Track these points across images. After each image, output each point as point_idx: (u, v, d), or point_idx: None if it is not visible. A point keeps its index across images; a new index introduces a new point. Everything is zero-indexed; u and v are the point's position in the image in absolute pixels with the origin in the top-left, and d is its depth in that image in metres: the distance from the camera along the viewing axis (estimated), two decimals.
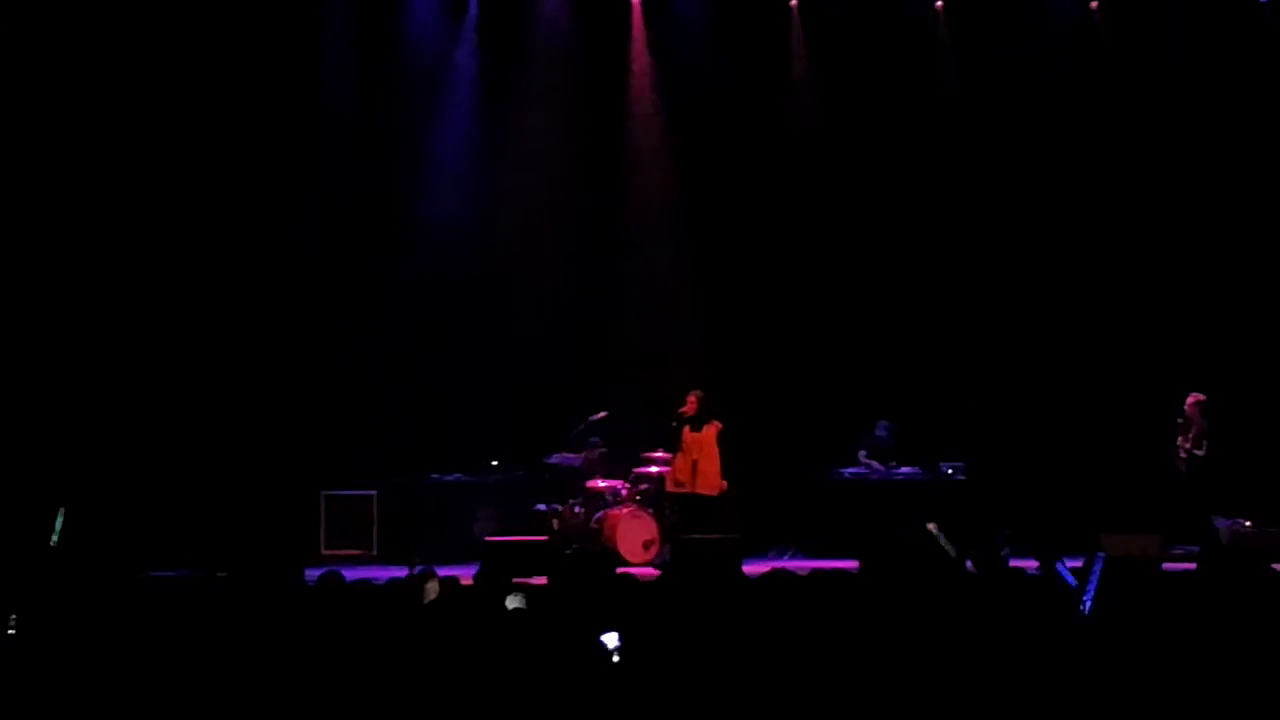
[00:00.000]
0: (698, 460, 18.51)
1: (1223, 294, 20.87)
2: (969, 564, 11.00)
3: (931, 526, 15.01)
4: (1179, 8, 21.17)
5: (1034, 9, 21.41)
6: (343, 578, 9.62)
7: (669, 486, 18.86)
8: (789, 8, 21.65)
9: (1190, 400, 19.21)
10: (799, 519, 19.93)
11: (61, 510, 15.46)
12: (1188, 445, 19.13)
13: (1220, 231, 20.92)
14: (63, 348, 19.19)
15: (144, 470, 18.80)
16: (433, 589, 9.68)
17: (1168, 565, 15.36)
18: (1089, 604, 9.20)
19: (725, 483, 18.65)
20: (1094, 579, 9.52)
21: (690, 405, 18.51)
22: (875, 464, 20.16)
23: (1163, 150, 21.07)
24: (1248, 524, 18.57)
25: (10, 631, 8.64)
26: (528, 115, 21.16)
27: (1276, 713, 6.68)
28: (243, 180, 20.02)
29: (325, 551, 19.29)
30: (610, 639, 7.38)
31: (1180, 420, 19.26)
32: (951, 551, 13.07)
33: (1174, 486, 19.15)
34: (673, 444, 18.81)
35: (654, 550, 18.74)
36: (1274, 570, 9.57)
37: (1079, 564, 10.13)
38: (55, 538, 15.26)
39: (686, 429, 18.51)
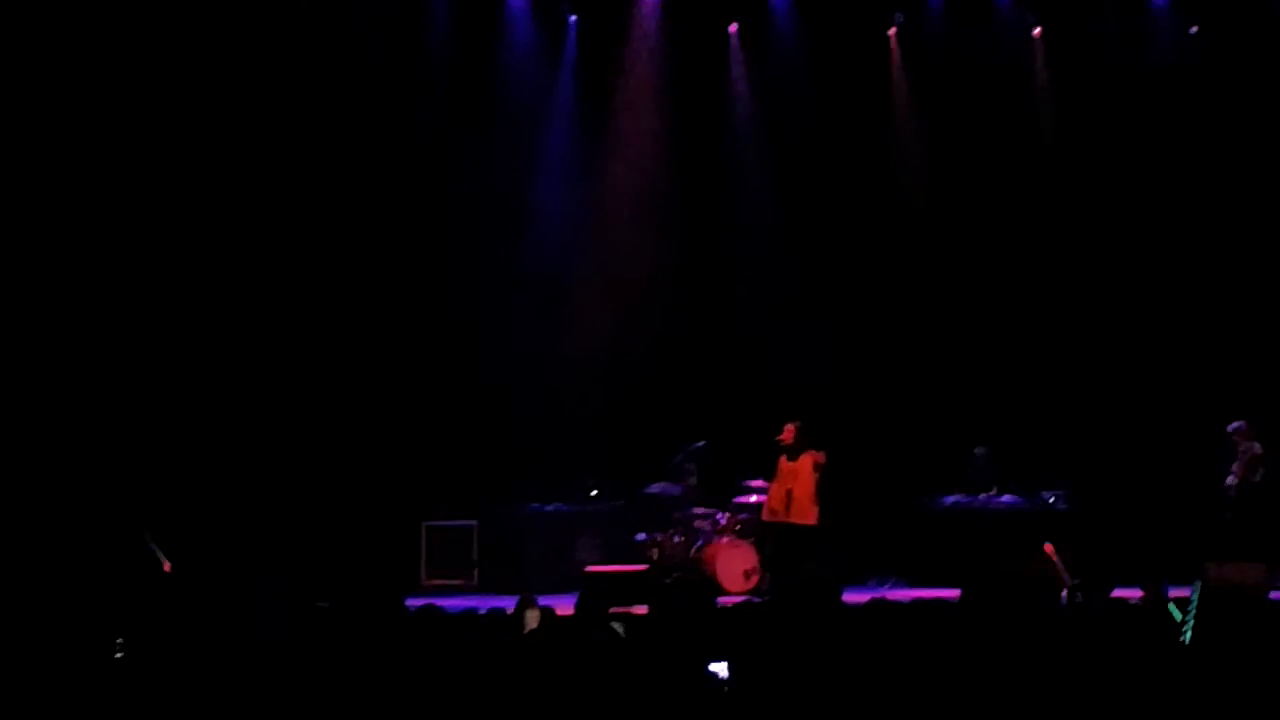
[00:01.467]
0: (792, 489, 18.37)
1: None
2: (1076, 594, 10.90)
3: (1048, 548, 14.93)
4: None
5: (1134, 32, 21.28)
6: (441, 609, 9.61)
7: (764, 516, 18.77)
8: (886, 36, 21.66)
9: (1233, 428, 19.13)
10: (900, 547, 19.82)
11: (148, 533, 15.59)
12: (1240, 473, 19.06)
13: None
14: (181, 379, 19.32)
15: (251, 500, 18.88)
16: (533, 618, 9.67)
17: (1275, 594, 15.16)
18: (1189, 633, 9.09)
19: (818, 513, 18.47)
20: (1193, 608, 9.41)
21: (787, 434, 18.39)
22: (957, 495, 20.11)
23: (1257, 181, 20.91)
24: None
25: (119, 655, 8.69)
26: (627, 145, 21.19)
27: None
28: (361, 215, 20.15)
29: (426, 582, 19.37)
30: (720, 668, 7.34)
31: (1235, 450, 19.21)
32: (1066, 577, 12.98)
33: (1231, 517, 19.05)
34: (770, 473, 18.75)
35: (755, 579, 18.69)
36: None
37: (1184, 593, 10.00)
38: (162, 559, 15.39)
39: (783, 458, 18.41)
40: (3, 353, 18.56)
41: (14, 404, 18.44)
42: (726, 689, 7.28)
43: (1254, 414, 19.51)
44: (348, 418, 19.87)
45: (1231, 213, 21.05)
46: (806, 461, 18.33)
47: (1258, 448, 19.12)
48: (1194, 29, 21.47)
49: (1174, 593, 10.55)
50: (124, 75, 19.06)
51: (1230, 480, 19.19)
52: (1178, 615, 9.41)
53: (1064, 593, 11.61)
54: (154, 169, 19.30)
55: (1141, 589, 10.66)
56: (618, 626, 8.94)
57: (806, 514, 18.28)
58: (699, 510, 19.33)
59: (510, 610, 10.21)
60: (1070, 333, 21.14)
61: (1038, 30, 21.67)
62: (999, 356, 21.10)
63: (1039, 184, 21.29)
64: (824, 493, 18.36)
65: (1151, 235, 21.10)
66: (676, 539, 19.18)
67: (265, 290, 19.74)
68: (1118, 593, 11.23)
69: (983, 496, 20.07)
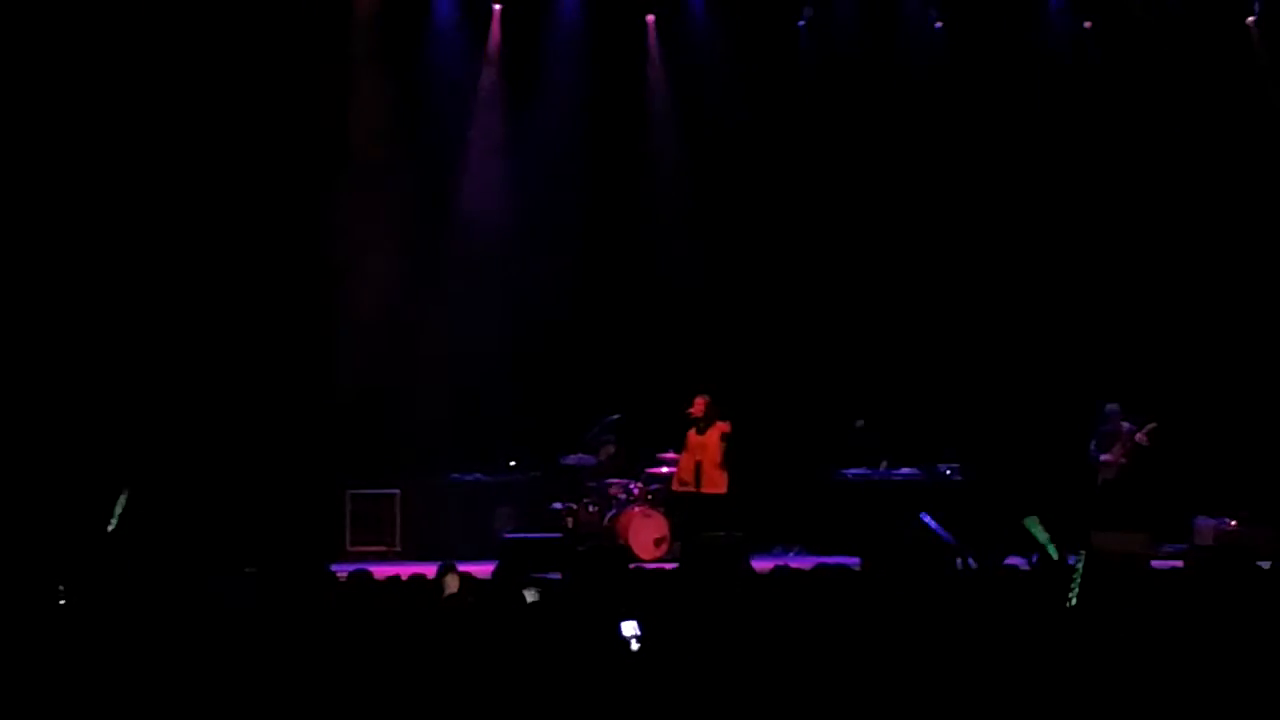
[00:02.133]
0: (701, 460, 18.48)
1: (1208, 300, 20.94)
2: (970, 560, 10.99)
3: (926, 517, 15.04)
4: (1169, 27, 21.19)
5: (1031, 29, 21.43)
6: (371, 575, 9.63)
7: (674, 486, 18.86)
8: (796, 28, 21.74)
9: (1111, 410, 19.37)
10: (804, 517, 19.92)
11: (124, 494, 15.50)
12: (1121, 456, 19.28)
13: (1197, 240, 21.05)
14: (118, 356, 19.33)
15: (181, 471, 18.82)
16: (452, 583, 9.69)
17: (1155, 562, 15.34)
18: (1075, 597, 9.18)
19: (727, 482, 18.58)
20: (1079, 574, 9.51)
21: (697, 407, 18.48)
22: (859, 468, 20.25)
23: (1145, 160, 21.22)
24: (1233, 523, 18.61)
25: (61, 602, 8.71)
26: (548, 130, 21.19)
27: (1263, 702, 6.66)
28: (283, 186, 20.12)
29: (350, 548, 19.34)
30: (629, 628, 7.38)
31: (1105, 431, 19.42)
32: (947, 538, 13.09)
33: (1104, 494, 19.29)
34: (681, 445, 18.83)
35: (664, 547, 18.75)
36: (1258, 567, 9.53)
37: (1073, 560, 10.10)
38: (115, 521, 15.31)
39: (692, 431, 18.50)
40: None
41: None
42: (634, 646, 7.31)
43: (1127, 391, 19.81)
44: (276, 391, 19.83)
45: (1112, 198, 21.26)
46: (714, 433, 18.46)
47: (1127, 427, 19.35)
48: (1088, 24, 21.62)
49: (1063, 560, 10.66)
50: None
51: (1107, 458, 19.37)
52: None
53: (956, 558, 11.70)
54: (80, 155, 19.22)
55: (1030, 557, 10.77)
56: (533, 592, 8.96)
57: (716, 483, 18.40)
58: (612, 481, 19.38)
59: (431, 575, 10.23)
60: (965, 316, 21.28)
61: (939, 24, 21.79)
62: (898, 338, 21.24)
63: (934, 169, 21.41)
64: (732, 462, 18.48)
65: (1033, 219, 21.30)
66: (591, 508, 19.23)
67: (198, 269, 19.68)
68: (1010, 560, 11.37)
69: (882, 469, 20.19)
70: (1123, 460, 19.33)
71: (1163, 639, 7.45)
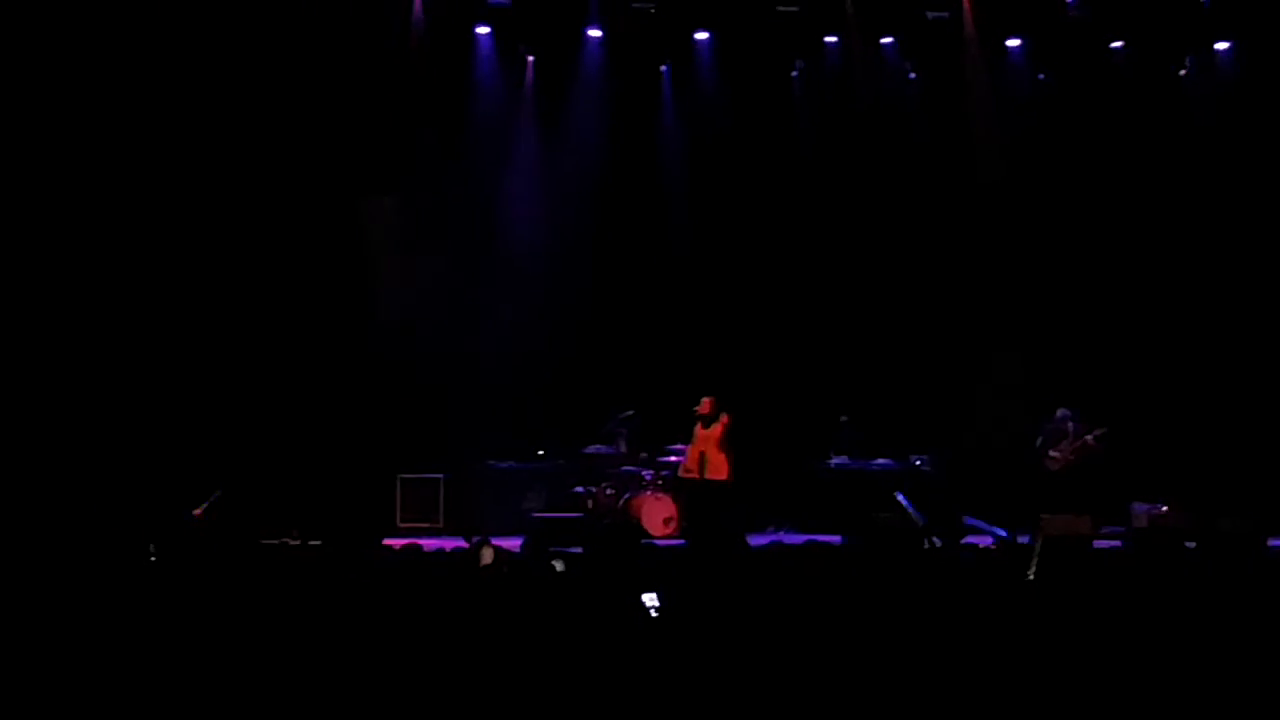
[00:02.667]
0: (705, 451, 18.47)
1: (1149, 311, 21.01)
2: (935, 540, 10.96)
3: (899, 496, 15.01)
4: (1111, 79, 21.24)
5: (995, 79, 21.47)
6: (421, 548, 9.63)
7: (681, 473, 18.85)
8: (789, 78, 21.76)
9: (1066, 414, 19.31)
10: (794, 501, 19.88)
11: (219, 492, 15.53)
12: (1068, 454, 19.21)
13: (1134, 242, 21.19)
14: (206, 353, 19.41)
15: (263, 456, 18.87)
16: (488, 555, 9.68)
17: (1098, 543, 15.29)
18: (1033, 574, 9.17)
19: (730, 470, 18.56)
20: (1037, 551, 9.49)
21: (705, 406, 18.49)
22: (842, 458, 20.19)
23: (1090, 188, 21.35)
24: (1165, 508, 18.57)
25: (152, 559, 8.74)
26: (575, 160, 21.25)
27: (1193, 664, 6.64)
28: (344, 197, 20.24)
29: (400, 525, 19.34)
30: (650, 599, 7.37)
31: (1052, 427, 19.37)
32: (917, 517, 13.06)
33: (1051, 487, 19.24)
34: (687, 439, 18.83)
35: (673, 526, 18.74)
36: (1187, 548, 9.51)
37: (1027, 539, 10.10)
38: (204, 506, 15.34)
39: (699, 426, 18.49)
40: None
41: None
42: (654, 614, 7.30)
43: (1075, 392, 19.81)
44: (338, 388, 19.86)
45: (1064, 222, 21.32)
46: (718, 427, 18.43)
47: (1074, 428, 19.32)
48: (1042, 75, 21.66)
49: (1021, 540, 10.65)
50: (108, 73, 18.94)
51: (1055, 454, 19.32)
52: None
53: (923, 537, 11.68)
54: (131, 160, 19.24)
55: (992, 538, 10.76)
56: (558, 564, 8.96)
57: (720, 471, 18.33)
58: (628, 468, 19.38)
59: (469, 548, 10.22)
60: (937, 328, 21.29)
61: (913, 75, 21.82)
62: (877, 345, 21.27)
63: (907, 198, 21.45)
64: (733, 453, 18.46)
65: (1000, 234, 21.36)
66: (608, 492, 19.22)
67: (264, 273, 19.71)
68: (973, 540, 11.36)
69: (860, 460, 20.17)
70: (1070, 458, 19.28)
71: (1104, 609, 7.43)
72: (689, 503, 18.58)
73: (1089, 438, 19.18)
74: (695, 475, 18.48)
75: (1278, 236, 20.82)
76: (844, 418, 20.35)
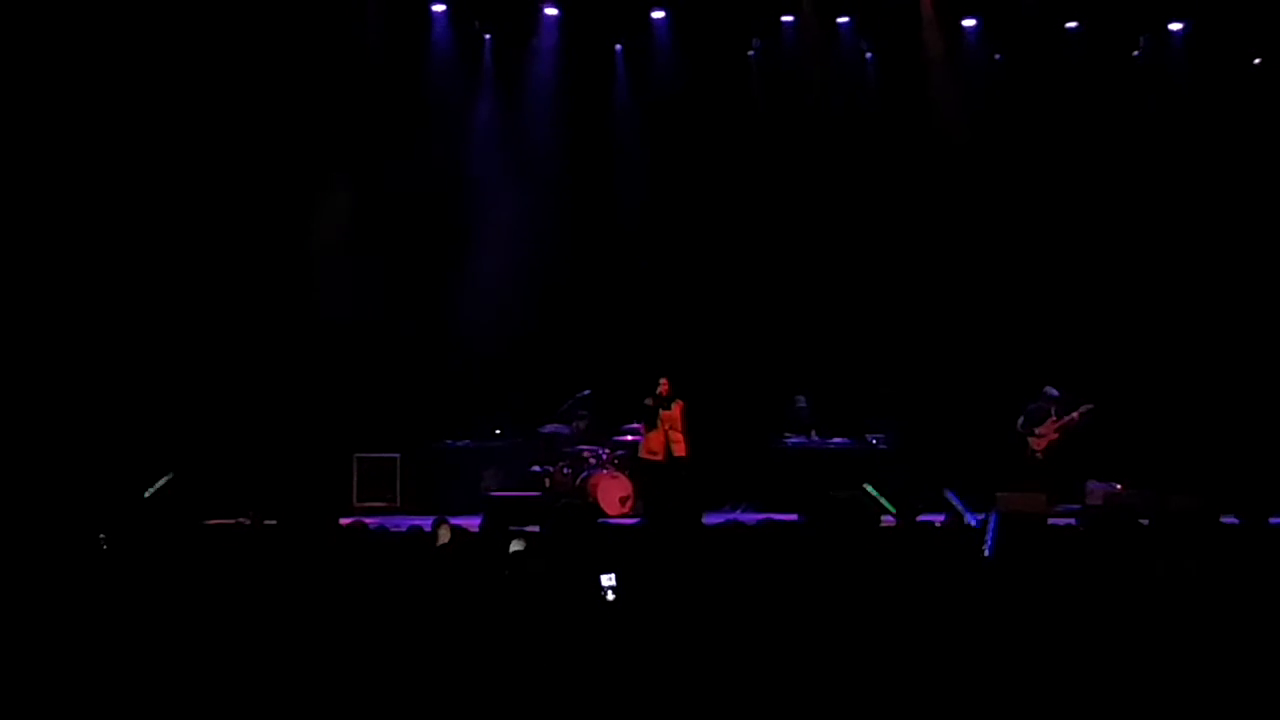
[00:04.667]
0: (669, 432, 18.60)
1: (1101, 293, 21.10)
2: (889, 519, 10.99)
3: (868, 486, 15.06)
4: (1065, 58, 21.32)
5: (952, 57, 21.49)
6: (368, 526, 9.61)
7: (643, 454, 18.88)
8: (746, 57, 21.74)
9: (1052, 393, 19.38)
10: (751, 480, 19.90)
11: (169, 476, 15.43)
12: (1052, 432, 19.27)
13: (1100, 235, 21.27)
14: (159, 334, 19.25)
15: (218, 436, 18.79)
16: (445, 534, 9.65)
17: (1052, 520, 15.37)
18: (990, 550, 9.19)
19: (688, 448, 18.74)
20: (992, 529, 9.52)
21: (664, 388, 18.58)
22: (801, 437, 20.21)
23: (1044, 166, 21.36)
24: (1119, 487, 18.69)
25: (104, 547, 8.69)
26: (532, 143, 21.22)
27: (1142, 636, 6.67)
28: (295, 181, 20.05)
29: (356, 504, 19.29)
30: (607, 579, 7.35)
31: (1035, 406, 19.44)
32: (887, 505, 13.09)
33: (1037, 467, 19.31)
34: (652, 421, 18.83)
35: (629, 505, 18.74)
36: (1141, 525, 9.56)
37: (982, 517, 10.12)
38: (152, 490, 15.23)
39: (659, 408, 18.61)
40: None
41: None
42: (611, 596, 7.28)
43: (1033, 371, 19.92)
44: (293, 368, 19.79)
45: (1019, 199, 21.37)
46: (677, 409, 18.59)
47: (1056, 407, 19.39)
48: (998, 55, 21.71)
49: (971, 519, 10.69)
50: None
51: (1041, 431, 19.36)
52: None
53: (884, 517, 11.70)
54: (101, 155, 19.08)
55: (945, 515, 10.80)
56: (519, 544, 8.94)
57: (682, 449, 18.55)
58: (584, 448, 19.36)
59: (427, 528, 10.19)
60: (891, 308, 21.35)
61: (870, 55, 21.84)
62: (834, 326, 21.30)
63: (863, 175, 21.47)
64: (690, 431, 18.56)
65: (954, 214, 21.40)
66: (565, 471, 19.20)
67: (216, 255, 19.59)
68: (927, 518, 11.39)
69: (817, 438, 20.19)
70: (1055, 436, 19.34)
71: (1060, 585, 7.46)
72: (652, 484, 18.61)
73: (1074, 414, 19.25)
74: (659, 457, 18.59)
75: (1233, 215, 20.94)
76: (800, 398, 20.38)
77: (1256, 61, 21.05)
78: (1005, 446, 19.59)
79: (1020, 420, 19.54)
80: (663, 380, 18.68)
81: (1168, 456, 19.12)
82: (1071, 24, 21.24)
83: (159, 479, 15.37)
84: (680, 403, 18.73)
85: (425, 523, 10.45)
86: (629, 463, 19.10)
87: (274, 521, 10.64)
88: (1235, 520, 10.51)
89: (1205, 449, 19.33)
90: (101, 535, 8.87)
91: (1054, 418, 19.35)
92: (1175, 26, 21.22)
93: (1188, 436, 19.74)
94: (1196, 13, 20.90)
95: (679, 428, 18.72)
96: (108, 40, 18.83)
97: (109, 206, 19.04)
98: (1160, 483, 17.63)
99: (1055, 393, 19.43)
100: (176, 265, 19.38)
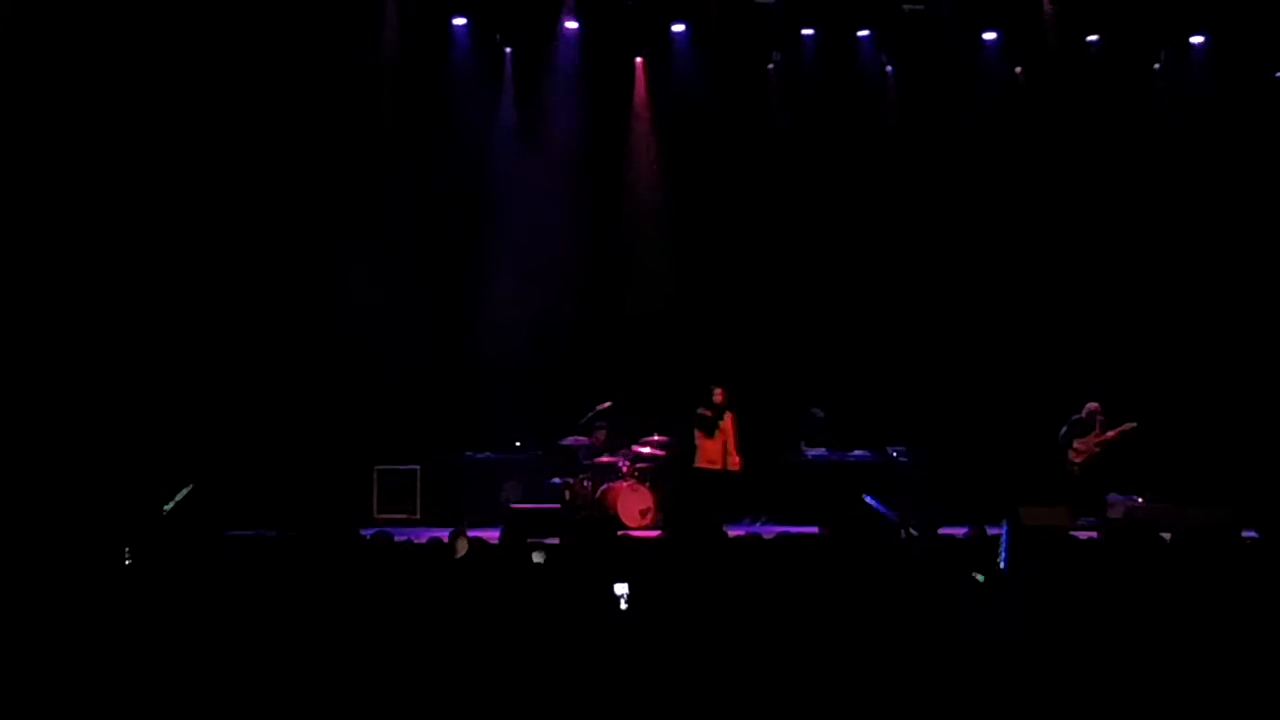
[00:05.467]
0: (726, 443, 18.73)
1: (1125, 304, 21.08)
2: (911, 530, 10.98)
3: (867, 498, 15.05)
4: (1086, 72, 21.31)
5: (969, 74, 21.49)
6: (393, 537, 9.62)
7: (701, 464, 18.89)
8: (767, 70, 21.76)
9: (1095, 407, 19.34)
10: (771, 493, 19.88)
11: (189, 487, 15.43)
12: (1093, 447, 19.22)
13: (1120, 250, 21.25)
14: (179, 346, 19.22)
15: (238, 448, 18.81)
16: (464, 546, 9.67)
17: (1075, 533, 15.34)
18: (1004, 562, 9.20)
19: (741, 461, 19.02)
20: (1005, 542, 9.52)
21: (720, 396, 18.72)
22: (820, 449, 20.21)
23: (1064, 180, 21.40)
24: (1140, 500, 18.65)
25: (128, 561, 8.70)
26: (553, 154, 21.18)
27: (1168, 650, 6.67)
28: (316, 195, 20.07)
29: (377, 516, 19.29)
30: (620, 588, 7.36)
31: (1078, 419, 19.39)
32: (890, 515, 13.08)
33: (1072, 480, 19.25)
34: (710, 430, 18.84)
35: (650, 518, 18.72)
36: (1162, 539, 9.54)
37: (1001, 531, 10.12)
38: (173, 504, 15.24)
39: (715, 417, 18.71)
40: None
41: None
42: (624, 605, 7.29)
43: (1057, 384, 19.89)
44: (314, 380, 19.80)
45: (1039, 214, 21.38)
46: (730, 419, 18.70)
47: (1100, 422, 19.36)
48: (1018, 69, 21.72)
49: (992, 531, 10.67)
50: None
51: (1080, 446, 19.31)
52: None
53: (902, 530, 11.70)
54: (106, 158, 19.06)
55: (968, 528, 10.79)
56: (539, 555, 8.95)
57: (737, 462, 18.69)
58: (604, 460, 19.35)
59: (446, 539, 10.22)
60: (909, 321, 21.33)
61: (890, 68, 21.86)
62: (854, 339, 21.30)
63: (884, 187, 21.49)
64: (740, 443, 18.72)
65: (976, 226, 21.43)
66: (585, 483, 19.17)
67: (237, 266, 19.61)
68: (948, 531, 11.37)
69: (837, 451, 20.15)
70: (1095, 450, 19.30)
71: (1082, 598, 7.46)
72: (708, 495, 18.62)
73: (1114, 432, 19.22)
74: (719, 466, 18.68)
75: (1254, 229, 20.90)
76: (817, 410, 20.35)
77: (1277, 75, 21.02)
78: (1029, 458, 19.55)
79: (1063, 430, 19.46)
80: (718, 389, 18.75)
81: (1189, 470, 19.06)
82: (1092, 37, 21.23)
83: (179, 491, 15.40)
84: (731, 414, 18.82)
85: (445, 535, 10.48)
86: (650, 475, 19.10)
87: (295, 533, 10.65)
88: (1256, 534, 10.50)
89: (1226, 463, 19.28)
90: (126, 549, 8.88)
91: (1097, 432, 19.31)
92: (1196, 40, 21.21)
93: (1209, 450, 19.68)
94: (1216, 26, 20.88)
95: (732, 439, 18.86)
96: (138, 50, 18.89)
97: (123, 214, 19.04)
98: (1181, 496, 17.58)
99: (1097, 406, 19.37)
100: (196, 276, 19.39)
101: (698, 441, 19.11)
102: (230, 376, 19.40)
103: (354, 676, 6.51)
